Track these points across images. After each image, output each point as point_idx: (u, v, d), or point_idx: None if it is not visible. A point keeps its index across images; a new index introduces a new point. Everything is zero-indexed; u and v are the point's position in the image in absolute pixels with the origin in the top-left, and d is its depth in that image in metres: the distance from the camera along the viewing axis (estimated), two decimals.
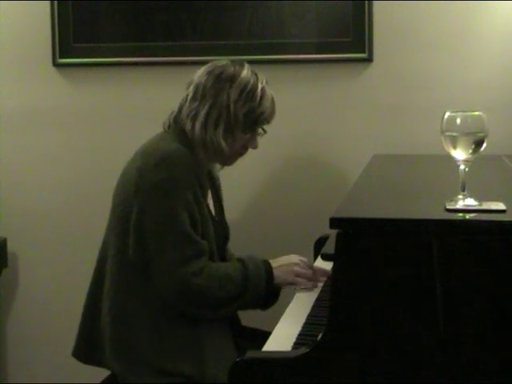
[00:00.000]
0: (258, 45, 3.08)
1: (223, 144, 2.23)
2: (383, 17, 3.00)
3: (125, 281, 2.20)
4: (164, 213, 2.14)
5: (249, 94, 2.24)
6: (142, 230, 2.15)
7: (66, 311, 3.18)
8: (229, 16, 3.09)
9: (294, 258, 2.33)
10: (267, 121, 2.31)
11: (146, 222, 2.15)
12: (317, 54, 3.06)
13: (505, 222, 1.72)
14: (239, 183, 3.13)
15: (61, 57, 3.19)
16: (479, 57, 2.96)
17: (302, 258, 2.35)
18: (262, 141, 2.40)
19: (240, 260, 2.25)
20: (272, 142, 3.08)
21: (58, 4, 3.16)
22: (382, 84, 3.04)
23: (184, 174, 2.15)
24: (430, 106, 2.95)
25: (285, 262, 2.31)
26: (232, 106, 2.22)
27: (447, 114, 1.78)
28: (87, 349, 2.30)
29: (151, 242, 2.15)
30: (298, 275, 2.29)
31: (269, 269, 2.24)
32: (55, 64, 3.21)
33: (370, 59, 3.03)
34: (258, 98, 2.25)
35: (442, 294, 1.70)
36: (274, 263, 2.28)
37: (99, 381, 2.28)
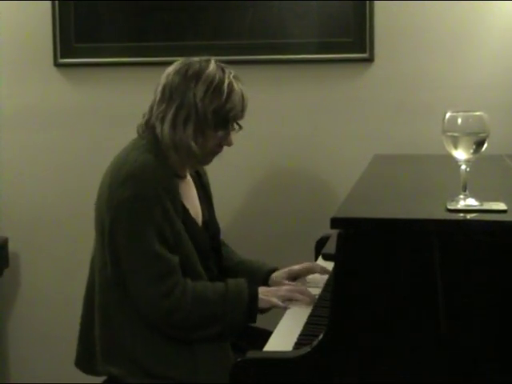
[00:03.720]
0: (258, 45, 3.08)
1: (193, 145, 2.18)
2: (384, 17, 3.00)
3: (111, 293, 2.18)
4: (131, 232, 2.11)
5: (215, 89, 2.17)
6: (115, 249, 2.14)
7: (68, 311, 3.18)
8: (229, 16, 3.10)
9: (288, 286, 2.28)
10: (238, 117, 2.24)
11: (117, 240, 2.13)
12: (318, 54, 3.06)
13: (506, 222, 1.71)
14: (240, 183, 3.13)
15: (62, 57, 3.20)
16: (480, 57, 2.96)
17: (296, 287, 2.28)
18: (263, 140, 2.40)
19: (225, 283, 2.19)
20: (273, 141, 3.10)
21: (60, 4, 3.16)
22: (382, 84, 3.04)
23: (150, 191, 2.10)
24: (431, 106, 2.95)
25: (275, 288, 2.25)
26: (199, 104, 2.16)
27: (448, 114, 1.78)
28: (87, 358, 2.30)
29: (123, 261, 2.14)
30: (281, 297, 2.20)
31: (253, 295, 2.17)
32: (56, 64, 3.21)
33: (370, 59, 3.03)
34: (225, 93, 2.18)
35: (443, 294, 1.70)
36: (262, 289, 2.22)
37: (100, 381, 2.28)
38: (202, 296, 2.14)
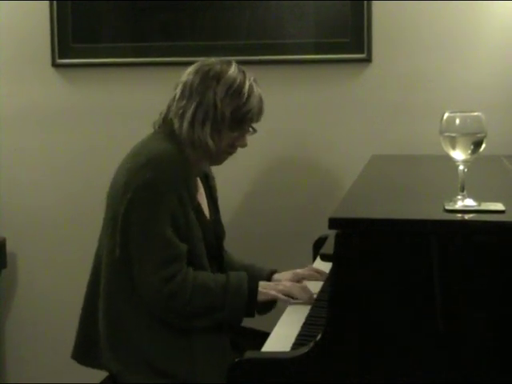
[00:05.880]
0: (256, 45, 3.08)
1: (210, 142, 2.22)
2: (382, 17, 3.00)
3: (117, 281, 2.20)
4: (146, 214, 2.14)
5: (236, 91, 2.22)
6: (128, 231, 2.15)
7: (65, 311, 3.18)
8: (227, 16, 3.10)
9: (288, 281, 2.32)
10: (255, 119, 2.28)
11: (130, 221, 2.15)
12: (315, 54, 3.06)
13: (503, 222, 1.72)
14: (238, 183, 3.13)
15: (60, 57, 3.19)
16: (478, 57, 2.96)
17: (294, 283, 2.32)
18: (260, 141, 2.40)
19: (226, 274, 2.22)
20: (270, 142, 3.10)
21: (57, 4, 3.16)
22: (380, 84, 3.04)
23: (170, 176, 2.14)
24: (429, 107, 2.95)
25: (275, 283, 2.29)
26: (219, 104, 2.20)
27: (446, 115, 1.78)
28: (86, 350, 2.30)
29: (133, 244, 2.15)
30: (279, 291, 2.23)
31: (253, 287, 2.20)
32: (54, 64, 3.21)
33: (368, 60, 3.03)
34: (245, 95, 2.22)
35: (441, 295, 1.70)
36: (263, 282, 2.25)
37: (98, 381, 2.28)
38: (203, 284, 2.16)
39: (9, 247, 3.25)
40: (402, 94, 3.03)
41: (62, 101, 3.24)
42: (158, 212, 2.13)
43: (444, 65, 2.99)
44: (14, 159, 3.29)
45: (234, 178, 3.09)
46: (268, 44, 3.08)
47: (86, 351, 2.30)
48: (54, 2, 3.16)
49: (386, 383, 1.74)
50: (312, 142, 3.11)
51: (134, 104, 3.17)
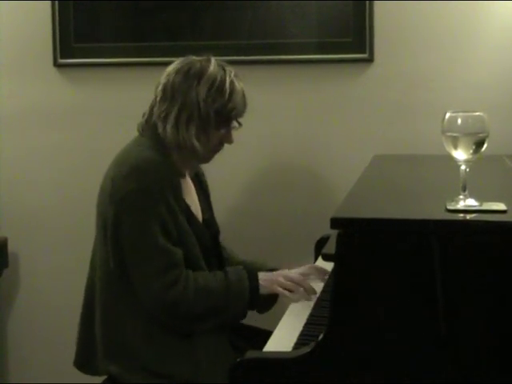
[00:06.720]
0: (258, 45, 3.08)
1: (196, 144, 2.20)
2: (384, 17, 3.00)
3: (113, 288, 2.19)
4: (135, 226, 2.13)
5: (218, 89, 2.19)
6: (118, 242, 2.15)
7: (67, 311, 3.17)
8: (229, 16, 3.10)
9: (287, 271, 2.31)
10: (239, 115, 2.27)
11: (120, 234, 2.14)
12: (317, 54, 3.06)
13: (505, 222, 1.72)
14: (239, 183, 3.13)
15: (61, 57, 3.19)
16: (480, 57, 2.96)
17: (295, 275, 2.30)
18: (263, 140, 2.40)
19: (225, 272, 2.21)
20: (272, 142, 3.10)
21: (59, 4, 3.16)
22: (382, 84, 3.04)
23: (154, 185, 2.12)
24: (431, 106, 2.94)
25: (273, 274, 2.28)
26: (202, 104, 2.18)
27: (448, 115, 1.78)
28: (85, 359, 2.30)
29: (127, 254, 2.14)
30: (281, 285, 2.23)
31: (254, 282, 2.20)
32: (56, 64, 3.21)
33: (370, 59, 3.03)
34: (228, 93, 2.20)
35: (442, 295, 1.70)
36: (262, 275, 2.25)
37: (100, 381, 2.28)
38: (205, 287, 2.15)
39: (10, 247, 3.25)
40: (403, 93, 3.02)
41: (63, 101, 3.24)
42: (147, 222, 2.11)
43: (445, 64, 2.99)
44: (16, 159, 3.30)
45: (236, 179, 3.09)
46: (270, 44, 3.08)
47: (85, 360, 2.30)
48: (56, 2, 3.16)
49: (388, 383, 1.74)
50: (313, 141, 3.11)
51: (135, 104, 3.14)
